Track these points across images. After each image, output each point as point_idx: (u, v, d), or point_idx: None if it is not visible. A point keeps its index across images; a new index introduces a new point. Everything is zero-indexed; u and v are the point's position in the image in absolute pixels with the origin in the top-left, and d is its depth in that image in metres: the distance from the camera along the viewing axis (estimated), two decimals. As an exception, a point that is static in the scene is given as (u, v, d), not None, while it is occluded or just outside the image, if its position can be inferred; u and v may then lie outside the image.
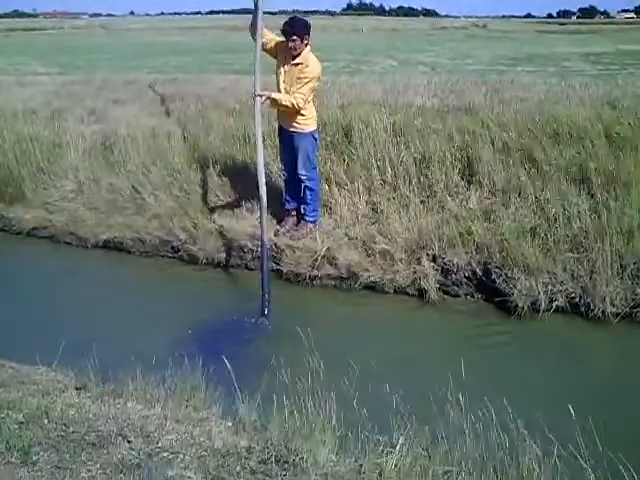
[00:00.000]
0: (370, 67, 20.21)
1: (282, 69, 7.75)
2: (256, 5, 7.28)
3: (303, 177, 8.09)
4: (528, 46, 32.64)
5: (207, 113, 11.39)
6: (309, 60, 7.68)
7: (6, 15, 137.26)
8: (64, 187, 10.13)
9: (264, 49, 7.58)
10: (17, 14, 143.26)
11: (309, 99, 7.84)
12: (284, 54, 7.70)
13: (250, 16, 7.65)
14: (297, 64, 7.65)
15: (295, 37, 7.54)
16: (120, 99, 13.28)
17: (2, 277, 8.35)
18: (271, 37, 7.73)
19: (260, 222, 7.55)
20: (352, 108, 10.43)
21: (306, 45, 7.67)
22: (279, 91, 7.75)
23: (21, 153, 10.70)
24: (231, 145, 9.85)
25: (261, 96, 7.43)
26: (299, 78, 7.63)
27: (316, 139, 8.23)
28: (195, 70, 18.22)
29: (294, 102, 7.60)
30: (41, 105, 13.09)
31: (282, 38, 7.66)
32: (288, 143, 8.10)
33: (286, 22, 7.62)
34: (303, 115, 7.86)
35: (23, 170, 10.40)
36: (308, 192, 8.19)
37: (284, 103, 7.62)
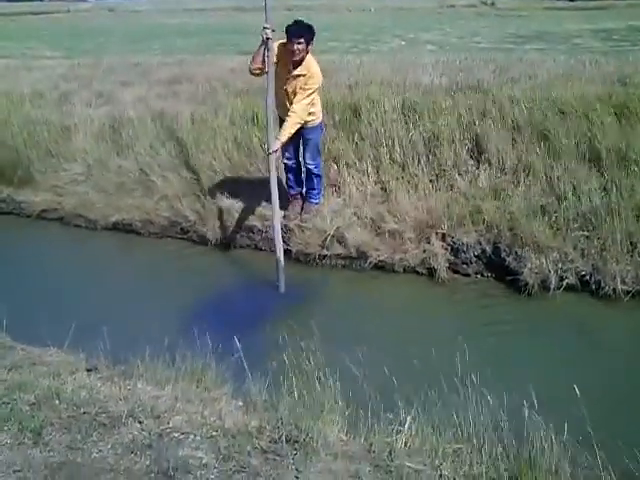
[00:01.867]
0: (378, 47, 20.06)
1: (282, 77, 7.46)
2: (266, 42, 7.14)
3: (311, 166, 8.08)
4: (537, 24, 32.35)
5: (215, 94, 11.36)
6: (312, 69, 7.44)
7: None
8: (73, 170, 10.15)
9: (263, 69, 7.32)
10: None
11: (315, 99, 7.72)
12: (283, 59, 7.43)
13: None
14: (300, 75, 7.43)
15: (302, 40, 7.27)
16: (128, 81, 13.23)
17: (13, 260, 8.37)
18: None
19: (271, 195, 7.49)
20: (360, 88, 10.39)
21: (308, 52, 7.44)
22: (280, 100, 7.60)
23: (29, 136, 10.72)
24: (240, 126, 9.81)
25: (275, 151, 7.37)
26: (302, 89, 7.44)
27: (322, 128, 8.21)
28: (202, 51, 18.13)
29: (299, 120, 7.48)
30: (49, 88, 13.06)
31: (274, 46, 7.33)
32: (296, 138, 7.88)
33: (292, 25, 7.35)
34: (311, 112, 7.74)
35: (32, 153, 10.42)
36: (315, 178, 8.19)
37: (295, 130, 7.51)
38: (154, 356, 4.77)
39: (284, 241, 7.86)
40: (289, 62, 7.41)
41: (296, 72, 7.43)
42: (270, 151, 7.34)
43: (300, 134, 7.83)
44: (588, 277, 6.90)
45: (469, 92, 9.87)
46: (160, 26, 36.64)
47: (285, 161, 8.22)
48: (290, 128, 7.45)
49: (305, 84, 7.42)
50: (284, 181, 8.40)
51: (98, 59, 16.44)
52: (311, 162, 8.04)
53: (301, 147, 8.07)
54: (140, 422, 4.05)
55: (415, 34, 25.26)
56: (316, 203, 8.29)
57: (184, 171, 9.29)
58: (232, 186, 8.89)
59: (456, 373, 4.33)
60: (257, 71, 7.39)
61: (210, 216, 8.61)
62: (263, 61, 7.21)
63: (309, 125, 7.79)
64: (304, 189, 8.40)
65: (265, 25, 7.06)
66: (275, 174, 7.44)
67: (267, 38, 7.07)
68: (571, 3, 52.40)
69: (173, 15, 54.61)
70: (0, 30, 35.99)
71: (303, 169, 8.25)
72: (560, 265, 6.97)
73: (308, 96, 7.46)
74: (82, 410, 4.15)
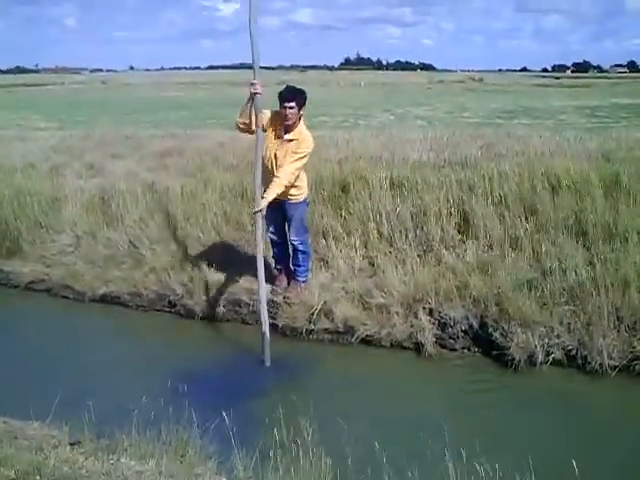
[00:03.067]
0: (367, 121, 20.38)
1: (273, 142, 7.52)
2: (253, 100, 7.19)
3: (296, 242, 8.05)
4: (524, 99, 32.96)
5: (205, 168, 11.46)
6: (304, 135, 7.52)
7: (9, 71, 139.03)
8: (61, 241, 10.17)
9: (250, 131, 7.41)
10: (19, 70, 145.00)
11: (301, 171, 7.72)
12: (275, 126, 7.51)
13: (249, 72, 7.46)
14: (291, 140, 7.46)
15: (293, 104, 7.34)
16: (119, 153, 13.39)
17: (-2, 331, 8.32)
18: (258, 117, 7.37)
19: (257, 263, 7.48)
20: (349, 162, 10.52)
21: (300, 117, 7.52)
22: (267, 166, 7.51)
23: (19, 207, 10.76)
24: (229, 200, 9.87)
25: (260, 210, 7.35)
26: (294, 152, 7.43)
27: (307, 204, 8.20)
28: (193, 125, 18.37)
29: (286, 182, 7.43)
30: (40, 160, 13.20)
31: (266, 112, 7.45)
32: (279, 213, 7.93)
33: (284, 90, 7.47)
34: (296, 186, 7.74)
35: (21, 224, 10.44)
36: (300, 255, 8.16)
37: (280, 191, 7.45)
38: (139, 430, 4.73)
39: (271, 315, 7.85)
40: (281, 127, 7.48)
41: (287, 137, 7.47)
42: (255, 210, 7.34)
43: (284, 210, 7.85)
44: (575, 352, 6.89)
45: (456, 167, 10.00)
46: (152, 99, 37.10)
47: (270, 235, 8.22)
48: (277, 188, 7.39)
49: (297, 148, 7.44)
50: (271, 254, 8.44)
51: (90, 131, 16.65)
52: (296, 238, 8.02)
53: (286, 223, 8.05)
54: (122, 498, 4.00)
55: (404, 109, 25.68)
56: (303, 281, 8.25)
57: (173, 244, 9.32)
58: (220, 260, 8.90)
59: (443, 450, 4.30)
60: (243, 125, 7.44)
61: (198, 289, 8.60)
62: (250, 116, 7.25)
63: (293, 200, 7.80)
64: (291, 265, 8.36)
65: (253, 81, 7.12)
66: (261, 238, 7.44)
67: (255, 93, 7.12)
68: (556, 80, 53.38)
69: (164, 88, 55.35)
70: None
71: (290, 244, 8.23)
72: (547, 340, 6.96)
73: (298, 160, 7.46)
74: (64, 486, 4.10)
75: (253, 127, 7.31)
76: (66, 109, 28.51)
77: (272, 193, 7.39)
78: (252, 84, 7.13)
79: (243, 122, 7.41)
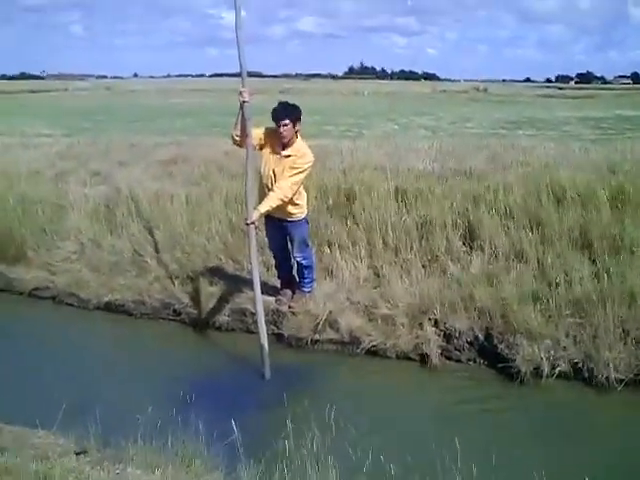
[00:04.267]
0: (371, 131, 20.39)
1: (270, 159, 7.44)
2: (242, 109, 7.08)
3: (299, 258, 8.02)
4: (528, 110, 32.98)
5: (210, 176, 11.48)
6: (302, 150, 7.38)
7: (15, 77, 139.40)
8: (66, 248, 10.17)
9: (243, 138, 7.26)
10: (24, 76, 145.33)
11: (300, 188, 7.63)
12: (272, 143, 7.41)
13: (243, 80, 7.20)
14: (288, 155, 7.34)
15: (287, 121, 7.20)
16: (124, 161, 13.39)
17: (2, 338, 8.30)
18: (253, 133, 7.24)
19: (252, 275, 7.40)
20: (354, 172, 10.52)
21: (297, 132, 7.38)
22: (266, 184, 7.48)
23: (24, 214, 10.76)
24: (234, 209, 9.88)
25: (254, 222, 7.23)
26: (292, 167, 7.30)
27: (308, 222, 8.09)
28: (198, 132, 18.38)
29: (283, 196, 7.30)
30: (45, 167, 13.22)
31: (260, 129, 7.40)
32: (280, 231, 7.89)
33: (276, 107, 7.31)
34: (296, 204, 7.65)
35: (25, 231, 10.43)
36: (305, 269, 8.14)
37: (275, 205, 7.31)
38: (145, 439, 4.72)
39: (276, 325, 7.85)
40: (278, 144, 7.38)
41: (285, 153, 7.37)
42: (248, 221, 7.21)
43: (285, 228, 7.81)
44: (581, 365, 6.87)
45: (461, 178, 10.01)
46: (156, 106, 37.14)
47: (272, 250, 8.27)
48: (272, 202, 7.27)
49: (294, 163, 7.32)
50: (274, 266, 8.45)
51: (95, 138, 16.65)
52: (299, 255, 7.98)
53: (288, 242, 7.99)
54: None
55: (408, 118, 25.67)
56: (308, 292, 8.24)
57: (178, 252, 9.30)
58: (225, 268, 8.92)
59: (447, 463, 4.29)
60: (237, 138, 7.33)
61: (202, 298, 8.60)
62: (243, 128, 7.15)
63: (294, 218, 7.72)
64: (296, 276, 8.33)
65: (241, 89, 6.99)
66: (255, 249, 7.33)
67: (243, 101, 7.00)
68: (560, 91, 53.42)
69: (169, 95, 55.44)
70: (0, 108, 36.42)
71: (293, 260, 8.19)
72: (552, 352, 6.94)
73: (296, 174, 7.33)
74: (69, 496, 4.09)
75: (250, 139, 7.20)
76: (71, 116, 28.52)
77: (266, 206, 7.29)
78: (240, 92, 7.01)
79: (237, 134, 7.32)
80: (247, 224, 7.24)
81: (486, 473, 4.18)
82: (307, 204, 8.01)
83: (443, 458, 4.46)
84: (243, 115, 7.10)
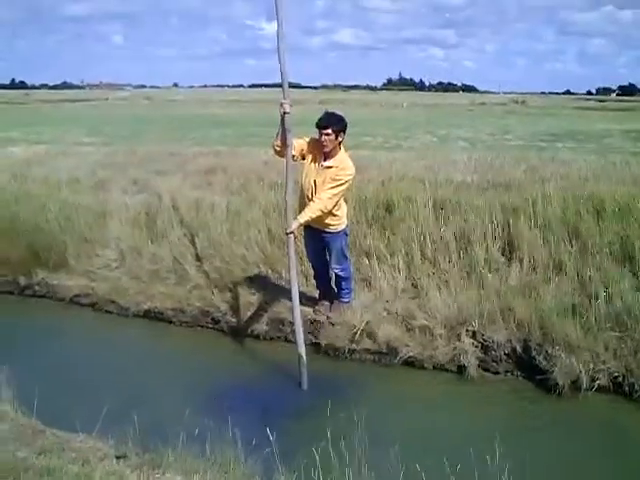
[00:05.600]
0: (410, 143, 20.33)
1: (312, 170, 7.45)
2: (283, 120, 7.14)
3: (337, 270, 8.03)
4: (568, 122, 32.71)
5: (249, 186, 11.54)
6: (344, 162, 7.38)
7: (56, 87, 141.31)
8: (106, 256, 10.29)
9: (283, 148, 7.33)
10: (66, 85, 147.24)
11: (340, 200, 7.64)
12: (314, 154, 7.42)
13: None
14: (330, 167, 7.35)
15: (329, 130, 7.19)
16: (163, 170, 13.48)
17: (45, 344, 8.41)
18: (295, 143, 7.33)
19: (291, 284, 7.48)
20: (393, 183, 10.54)
21: (340, 143, 7.37)
22: (306, 195, 7.52)
23: (65, 221, 10.90)
24: (273, 219, 9.93)
25: (293, 232, 7.30)
26: (333, 179, 7.31)
27: (347, 234, 8.07)
28: (237, 142, 18.46)
29: (323, 207, 7.32)
30: (85, 175, 13.34)
31: (304, 139, 7.46)
32: (318, 242, 7.93)
33: (322, 116, 7.33)
34: (336, 215, 7.64)
35: (67, 238, 10.56)
36: (342, 281, 8.14)
37: (315, 216, 7.36)
38: (184, 445, 4.76)
39: (313, 334, 7.87)
40: (320, 154, 7.40)
41: (326, 164, 7.37)
42: (288, 231, 7.27)
43: (323, 239, 7.82)
44: (621, 379, 6.80)
45: (500, 190, 9.98)
46: (196, 116, 37.39)
47: (310, 261, 8.33)
48: (311, 212, 7.31)
49: (336, 175, 7.32)
50: (312, 276, 8.49)
51: (135, 147, 16.79)
52: (337, 266, 7.98)
53: (327, 253, 7.98)
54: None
55: (446, 130, 25.56)
56: (347, 302, 8.24)
57: (217, 261, 9.36)
58: (264, 278, 8.98)
59: (489, 475, 4.28)
60: (278, 148, 7.39)
61: (241, 307, 8.65)
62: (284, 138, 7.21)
63: (332, 230, 7.72)
64: (334, 286, 8.34)
65: (283, 100, 7.07)
66: (294, 259, 7.39)
67: (284, 112, 7.06)
68: (601, 104, 52.90)
69: (208, 105, 55.78)
70: (42, 116, 36.92)
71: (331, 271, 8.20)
72: (591, 366, 6.87)
73: (337, 186, 7.33)
74: (110, 499, 4.14)
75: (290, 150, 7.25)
76: (110, 125, 28.79)
77: (305, 216, 7.34)
78: (281, 104, 7.08)
79: (277, 145, 7.38)
80: (287, 234, 7.31)
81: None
82: (347, 216, 8.02)
83: (480, 471, 4.44)
84: (284, 126, 7.15)
